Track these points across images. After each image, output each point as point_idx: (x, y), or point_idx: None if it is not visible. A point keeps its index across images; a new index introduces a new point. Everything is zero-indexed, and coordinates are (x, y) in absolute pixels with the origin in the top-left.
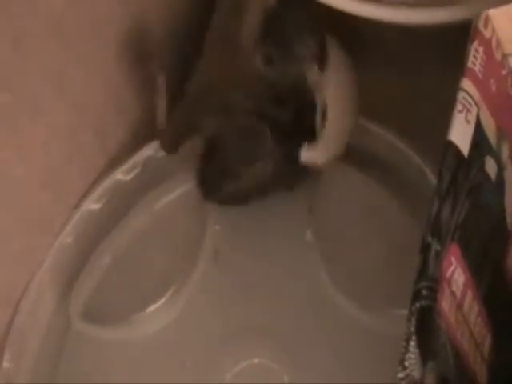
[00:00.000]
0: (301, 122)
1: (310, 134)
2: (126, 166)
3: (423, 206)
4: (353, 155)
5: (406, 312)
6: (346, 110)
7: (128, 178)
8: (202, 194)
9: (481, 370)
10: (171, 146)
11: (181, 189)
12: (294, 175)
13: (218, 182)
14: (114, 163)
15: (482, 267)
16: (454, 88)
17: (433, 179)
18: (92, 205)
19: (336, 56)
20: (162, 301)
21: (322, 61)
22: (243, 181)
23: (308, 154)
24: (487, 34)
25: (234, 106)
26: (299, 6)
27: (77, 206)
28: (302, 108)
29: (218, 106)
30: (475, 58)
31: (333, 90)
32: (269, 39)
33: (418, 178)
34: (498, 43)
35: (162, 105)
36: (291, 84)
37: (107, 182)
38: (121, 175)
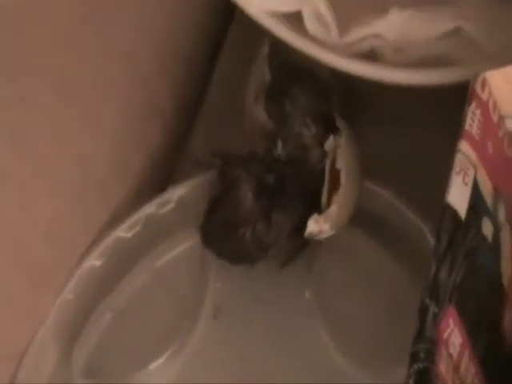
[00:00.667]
0: (304, 194)
1: (312, 207)
2: (127, 224)
3: (422, 267)
4: (353, 215)
5: (404, 371)
6: (356, 178)
7: (129, 235)
8: (206, 247)
9: None
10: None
11: (182, 246)
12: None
13: (220, 239)
14: (115, 220)
15: (478, 329)
16: (453, 148)
17: (432, 240)
18: (93, 262)
19: (341, 126)
20: (164, 358)
21: (325, 135)
22: (244, 242)
23: (315, 227)
24: (484, 96)
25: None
26: (297, 83)
27: (78, 263)
28: (305, 179)
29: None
30: (472, 120)
31: (343, 159)
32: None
33: (417, 238)
34: (495, 105)
35: None
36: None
37: (109, 239)
38: (122, 232)
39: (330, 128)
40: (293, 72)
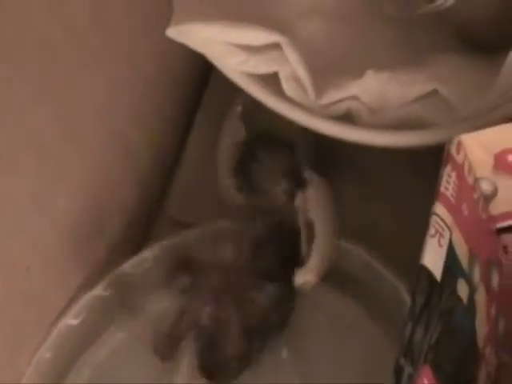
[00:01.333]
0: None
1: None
2: (103, 283)
3: (398, 325)
4: (329, 273)
5: None
6: (330, 226)
7: (106, 293)
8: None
9: None
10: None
11: (159, 305)
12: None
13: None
14: (92, 279)
15: None
16: (429, 209)
17: (407, 298)
18: (70, 320)
19: (312, 178)
20: None
21: (296, 187)
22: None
23: (303, 278)
24: (459, 158)
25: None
26: (268, 144)
27: (55, 322)
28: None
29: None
30: (448, 183)
31: (316, 208)
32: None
33: (393, 297)
34: (470, 168)
35: None
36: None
37: (85, 298)
38: (99, 291)
39: (299, 182)
40: (258, 137)
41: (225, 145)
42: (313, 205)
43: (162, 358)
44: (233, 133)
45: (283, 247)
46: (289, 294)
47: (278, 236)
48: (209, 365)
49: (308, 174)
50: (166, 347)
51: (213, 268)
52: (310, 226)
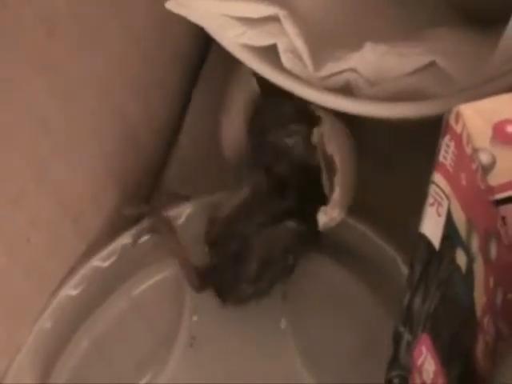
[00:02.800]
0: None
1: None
2: (103, 253)
3: (396, 296)
4: (327, 245)
5: None
6: (350, 158)
7: (105, 264)
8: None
9: None
10: (202, 287)
11: (158, 276)
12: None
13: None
14: (91, 250)
15: (452, 356)
16: (426, 178)
17: (405, 269)
18: (70, 291)
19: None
20: None
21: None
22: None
23: (326, 217)
24: (458, 129)
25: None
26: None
27: (55, 292)
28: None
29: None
30: (446, 153)
31: (333, 141)
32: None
33: (391, 267)
34: (469, 138)
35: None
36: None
37: (85, 269)
38: (98, 262)
39: (312, 121)
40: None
41: (235, 103)
42: (330, 139)
43: (196, 289)
44: (244, 88)
45: (307, 186)
46: (309, 236)
47: (300, 175)
48: (222, 282)
49: (321, 112)
50: (198, 278)
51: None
52: (329, 162)
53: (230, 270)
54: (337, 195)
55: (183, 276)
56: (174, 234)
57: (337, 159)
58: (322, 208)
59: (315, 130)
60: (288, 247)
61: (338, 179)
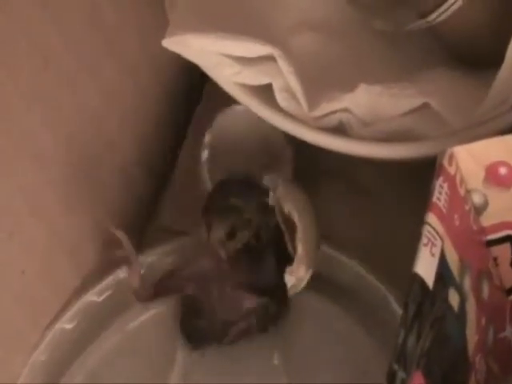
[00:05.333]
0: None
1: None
2: (98, 288)
3: (387, 333)
4: (320, 283)
5: None
6: (308, 213)
7: (100, 299)
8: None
9: None
10: (147, 298)
11: (152, 311)
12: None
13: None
14: (87, 284)
15: None
16: (416, 220)
17: (396, 307)
18: (65, 325)
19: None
20: None
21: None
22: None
23: (293, 277)
24: (452, 170)
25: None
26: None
27: (50, 326)
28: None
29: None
30: (440, 194)
31: (290, 201)
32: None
33: (383, 306)
34: (462, 179)
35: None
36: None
37: (80, 303)
38: (93, 296)
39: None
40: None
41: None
42: (286, 199)
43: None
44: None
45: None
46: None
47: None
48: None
49: (268, 180)
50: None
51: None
52: (288, 221)
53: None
54: (300, 252)
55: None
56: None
57: (295, 216)
58: (288, 269)
59: (271, 195)
60: (250, 310)
61: (298, 236)
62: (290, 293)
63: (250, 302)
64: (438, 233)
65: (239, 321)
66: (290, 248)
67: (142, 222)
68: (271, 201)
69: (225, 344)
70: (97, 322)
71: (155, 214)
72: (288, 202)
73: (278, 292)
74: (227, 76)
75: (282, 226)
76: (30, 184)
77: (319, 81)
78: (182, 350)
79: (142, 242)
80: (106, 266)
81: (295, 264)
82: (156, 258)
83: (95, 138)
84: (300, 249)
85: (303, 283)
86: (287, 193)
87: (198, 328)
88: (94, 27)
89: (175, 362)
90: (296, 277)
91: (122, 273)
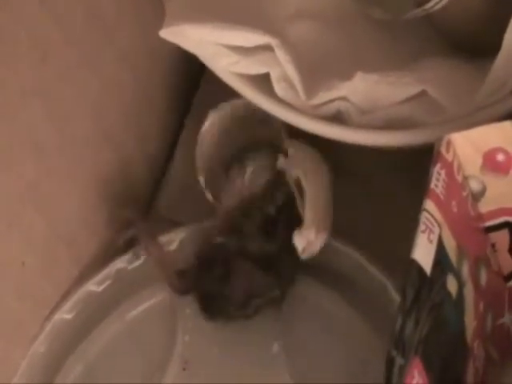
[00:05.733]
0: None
1: None
2: (97, 278)
3: (386, 320)
4: (319, 271)
5: None
6: (318, 177)
7: (99, 289)
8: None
9: None
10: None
11: (151, 300)
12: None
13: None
14: (85, 275)
15: (443, 381)
16: (414, 206)
17: (395, 295)
18: (64, 315)
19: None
20: None
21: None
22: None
23: (302, 240)
24: (449, 157)
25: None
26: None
27: (50, 316)
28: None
29: None
30: (437, 180)
31: (299, 164)
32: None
33: (381, 293)
34: (459, 166)
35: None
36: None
37: (79, 293)
38: (92, 286)
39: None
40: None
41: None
42: (296, 163)
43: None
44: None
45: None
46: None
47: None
48: (209, 300)
49: (285, 143)
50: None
51: None
52: (298, 185)
53: (217, 292)
54: (309, 215)
55: (164, 278)
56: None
57: (303, 180)
58: (296, 232)
59: (281, 157)
60: (272, 283)
61: (307, 199)
62: (303, 256)
63: (266, 274)
64: (435, 219)
65: (263, 292)
66: (301, 212)
67: (141, 212)
68: (280, 163)
69: (244, 317)
70: (96, 312)
71: (154, 204)
72: (297, 165)
73: (289, 257)
74: (225, 66)
75: (294, 190)
76: (29, 175)
77: (317, 70)
78: (181, 339)
79: None
80: (104, 256)
81: (304, 226)
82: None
83: (94, 128)
84: (308, 212)
85: (316, 247)
86: (297, 155)
87: (219, 297)
88: (92, 19)
89: (174, 351)
90: (306, 240)
91: (120, 263)
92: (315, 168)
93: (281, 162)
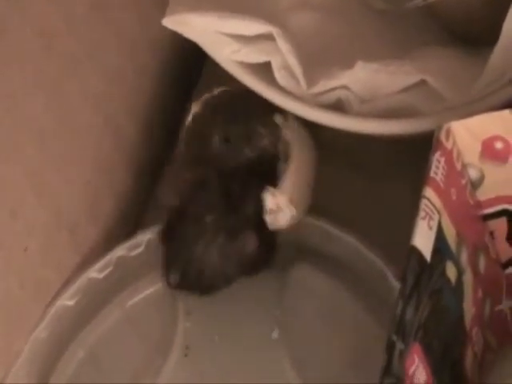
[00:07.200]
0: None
1: None
2: (99, 265)
3: (385, 307)
4: (318, 258)
5: None
6: (306, 152)
7: (101, 276)
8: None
9: None
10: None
11: (152, 287)
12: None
13: (183, 269)
14: (87, 262)
15: (442, 366)
16: (413, 194)
17: (394, 282)
18: (66, 301)
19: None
20: None
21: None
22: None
23: (272, 201)
24: (449, 145)
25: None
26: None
27: (51, 302)
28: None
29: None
30: (437, 168)
31: (294, 138)
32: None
33: (380, 280)
34: (459, 154)
35: None
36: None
37: (81, 280)
38: (94, 273)
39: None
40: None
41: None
42: (290, 127)
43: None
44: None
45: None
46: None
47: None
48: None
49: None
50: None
51: None
52: (286, 149)
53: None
54: (288, 180)
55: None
56: None
57: (294, 146)
58: (270, 189)
59: (277, 115)
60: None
61: (291, 166)
62: (268, 223)
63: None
64: (435, 206)
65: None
66: (280, 176)
67: (143, 199)
68: (277, 119)
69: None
70: (98, 299)
71: (154, 192)
72: (291, 133)
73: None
74: (226, 54)
75: (280, 150)
76: (32, 163)
77: (318, 59)
78: (182, 326)
79: (141, 220)
80: (106, 243)
81: (279, 188)
82: (155, 236)
83: (96, 117)
84: (288, 176)
85: (284, 219)
86: (291, 123)
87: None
88: (94, 8)
89: (175, 338)
90: (276, 202)
91: (122, 250)
92: (306, 141)
93: (278, 118)
